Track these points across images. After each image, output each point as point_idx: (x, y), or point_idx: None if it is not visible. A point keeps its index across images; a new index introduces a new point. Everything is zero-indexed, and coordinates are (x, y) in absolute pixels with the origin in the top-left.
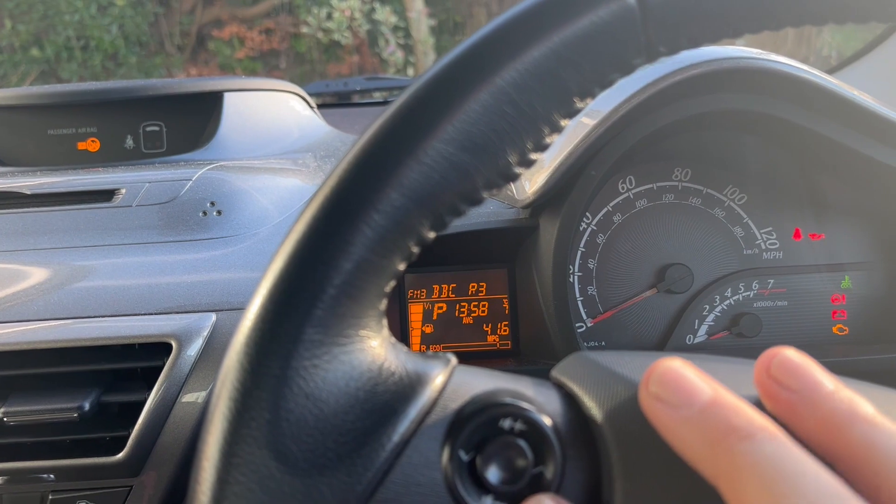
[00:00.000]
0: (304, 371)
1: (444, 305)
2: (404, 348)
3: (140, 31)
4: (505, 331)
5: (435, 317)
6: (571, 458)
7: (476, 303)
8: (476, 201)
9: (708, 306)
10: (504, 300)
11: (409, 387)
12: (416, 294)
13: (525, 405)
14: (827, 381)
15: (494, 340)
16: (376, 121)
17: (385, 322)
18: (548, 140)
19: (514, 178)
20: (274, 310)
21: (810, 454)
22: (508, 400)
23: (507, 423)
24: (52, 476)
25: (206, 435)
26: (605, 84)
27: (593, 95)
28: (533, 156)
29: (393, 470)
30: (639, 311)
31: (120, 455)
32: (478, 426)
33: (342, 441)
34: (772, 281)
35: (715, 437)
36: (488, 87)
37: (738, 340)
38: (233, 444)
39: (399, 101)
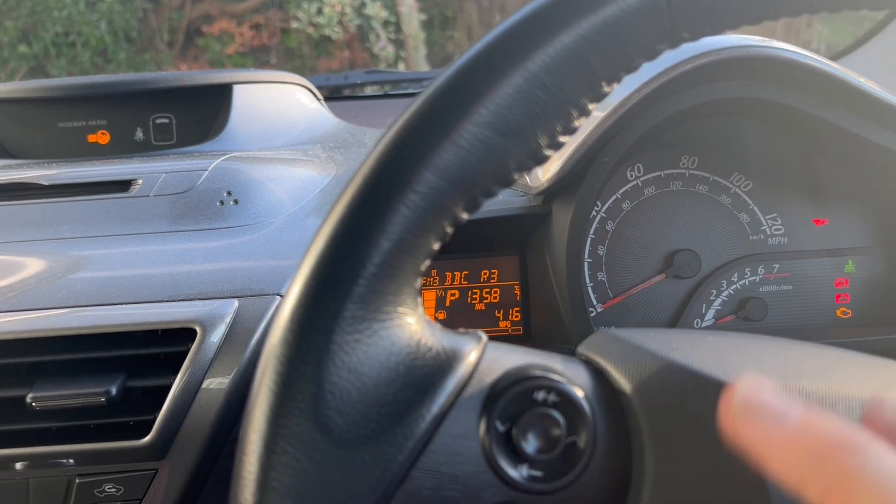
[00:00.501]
0: (347, 346)
1: (457, 292)
2: (439, 326)
3: (129, 26)
4: (517, 317)
5: (448, 303)
6: (602, 429)
7: (488, 289)
8: (508, 183)
9: (715, 291)
10: (516, 287)
11: (445, 362)
12: (429, 281)
13: (557, 377)
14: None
15: (506, 326)
16: (412, 104)
17: (420, 301)
18: (576, 123)
19: (544, 160)
20: (317, 287)
21: None
22: (541, 373)
23: (540, 395)
24: (71, 461)
25: (253, 408)
26: (631, 69)
27: (619, 80)
28: (562, 138)
29: (433, 440)
30: (647, 296)
31: (146, 438)
32: (513, 398)
33: (384, 413)
34: (777, 266)
35: (821, 451)
36: (522, 71)
37: (745, 324)
38: (279, 416)
39: (434, 85)
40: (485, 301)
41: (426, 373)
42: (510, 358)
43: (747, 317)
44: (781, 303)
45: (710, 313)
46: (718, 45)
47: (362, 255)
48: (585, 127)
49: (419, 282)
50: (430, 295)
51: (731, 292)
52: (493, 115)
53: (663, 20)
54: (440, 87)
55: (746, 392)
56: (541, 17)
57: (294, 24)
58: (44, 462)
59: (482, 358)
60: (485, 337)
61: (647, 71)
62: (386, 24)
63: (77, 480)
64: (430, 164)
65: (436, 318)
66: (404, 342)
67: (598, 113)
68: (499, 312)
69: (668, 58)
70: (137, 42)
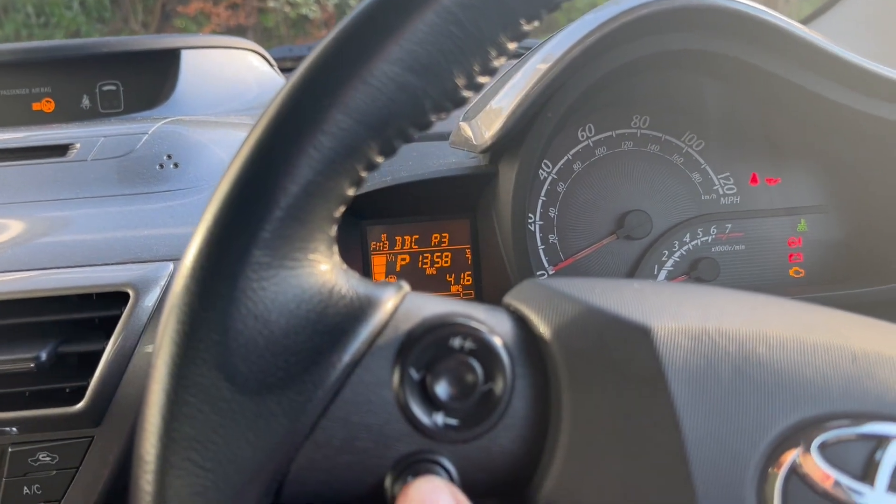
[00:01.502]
0: (253, 293)
1: (408, 257)
2: (356, 274)
3: (102, 6)
4: (468, 280)
5: (398, 268)
6: (521, 376)
7: (439, 254)
8: (424, 125)
9: (667, 251)
10: (467, 250)
11: (359, 309)
12: (379, 246)
13: (475, 325)
14: None
15: (458, 291)
16: (321, 43)
17: (335, 249)
18: (495, 63)
19: (462, 101)
20: (220, 232)
21: None
22: (459, 320)
23: (456, 342)
24: (14, 429)
25: (156, 358)
26: (552, 6)
27: (539, 18)
28: (481, 79)
29: (344, 389)
30: (599, 257)
31: (79, 405)
32: (428, 345)
33: (292, 361)
34: (729, 225)
35: None
36: (434, 5)
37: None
38: (182, 366)
39: (344, 22)
40: (436, 265)
41: (338, 321)
42: (430, 306)
43: (699, 277)
44: (734, 263)
45: (663, 274)
46: None
47: (267, 198)
48: (528, 81)
49: (333, 229)
50: (381, 260)
51: (683, 252)
52: (405, 53)
53: None
54: (349, 24)
55: (412, 490)
56: None
57: (271, 4)
58: None
59: (400, 306)
60: (406, 286)
61: (590, 22)
62: None
63: (10, 449)
64: (339, 104)
65: None
66: (315, 289)
67: (542, 66)
68: (450, 276)
69: (611, 9)
70: (111, 23)
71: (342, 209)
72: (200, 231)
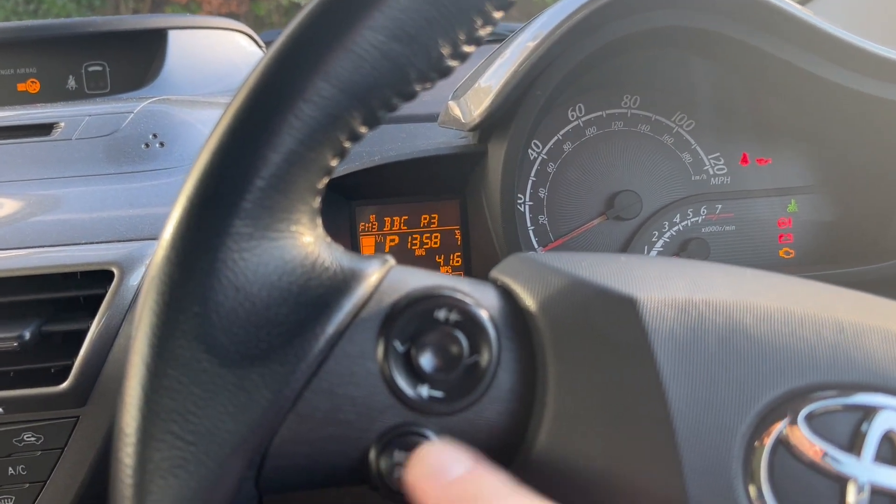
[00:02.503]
0: (233, 264)
1: (397, 238)
2: (340, 247)
3: None
4: (458, 262)
5: (387, 249)
6: (506, 349)
7: (428, 234)
8: (409, 95)
9: (657, 232)
10: (456, 231)
11: (343, 282)
12: (368, 226)
13: (461, 297)
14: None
15: (447, 271)
16: (302, 11)
17: (319, 221)
18: (481, 32)
19: (448, 71)
20: (200, 203)
21: None
22: (445, 293)
23: (441, 314)
24: (1, 409)
25: (136, 331)
26: None
27: None
28: (466, 48)
29: (327, 361)
30: (589, 238)
31: (64, 385)
32: (412, 317)
33: (275, 333)
34: (720, 206)
35: (466, 499)
36: None
37: None
38: (162, 339)
39: None
40: (425, 246)
41: (321, 293)
42: (415, 279)
43: (690, 257)
44: (724, 243)
45: (652, 255)
46: None
47: (248, 168)
48: (516, 59)
49: (317, 200)
50: (370, 241)
51: (673, 233)
52: (388, 20)
53: None
54: None
55: (426, 451)
56: None
57: None
58: None
59: (385, 279)
60: (392, 260)
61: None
62: None
63: None
64: (321, 72)
65: None
66: (298, 261)
67: (531, 44)
68: (440, 258)
69: None
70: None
71: (325, 180)
72: (181, 201)
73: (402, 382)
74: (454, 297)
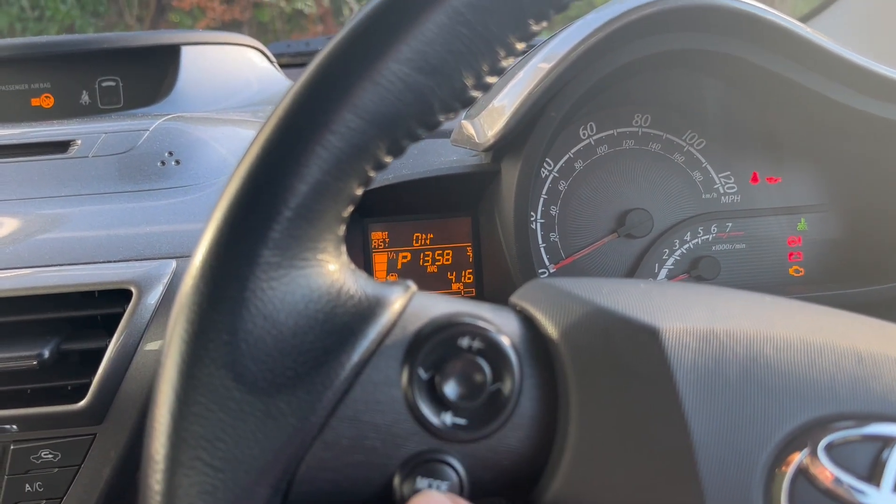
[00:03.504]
0: (262, 293)
1: (409, 255)
2: (364, 274)
3: (97, 0)
4: (469, 278)
5: (399, 266)
6: (529, 376)
7: (440, 251)
8: (433, 125)
9: (668, 250)
10: (468, 248)
11: (368, 309)
12: (380, 244)
13: (483, 324)
14: None
15: (459, 288)
16: (330, 43)
17: (344, 249)
18: (504, 63)
19: (470, 101)
20: (229, 232)
21: None
22: (467, 320)
23: (465, 342)
24: (15, 427)
25: (165, 358)
26: (560, 6)
27: (548, 18)
28: (489, 79)
29: (353, 388)
30: (600, 256)
31: (82, 403)
32: (436, 345)
33: (301, 360)
34: (730, 224)
35: None
36: (443, 6)
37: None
38: (192, 366)
39: (353, 22)
40: (437, 263)
41: (346, 320)
42: (437, 306)
43: (700, 276)
44: (734, 261)
45: (663, 272)
46: None
47: (277, 198)
48: (531, 80)
49: (342, 229)
50: (382, 258)
51: (684, 251)
52: (414, 52)
53: None
54: (358, 25)
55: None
56: None
57: None
58: None
59: (408, 306)
60: (414, 286)
61: (593, 22)
62: None
63: (12, 447)
64: (349, 104)
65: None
66: (324, 289)
67: (544, 65)
68: (451, 274)
69: (615, 8)
70: (106, 17)
71: (351, 209)
72: (210, 231)
73: (427, 410)
74: (477, 324)
